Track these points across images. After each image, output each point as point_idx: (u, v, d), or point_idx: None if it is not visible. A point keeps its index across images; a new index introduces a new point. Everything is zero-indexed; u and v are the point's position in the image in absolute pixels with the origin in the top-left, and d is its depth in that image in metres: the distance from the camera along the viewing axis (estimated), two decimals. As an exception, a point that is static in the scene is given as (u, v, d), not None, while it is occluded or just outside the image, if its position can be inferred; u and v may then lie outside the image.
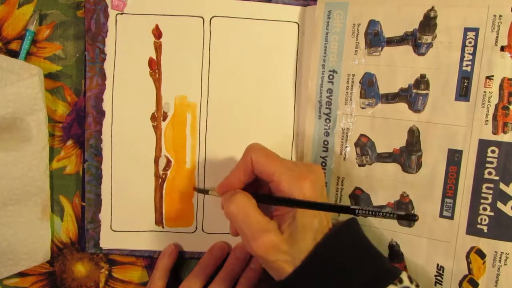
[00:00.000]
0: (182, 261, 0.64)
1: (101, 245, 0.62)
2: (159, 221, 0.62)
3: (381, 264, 0.50)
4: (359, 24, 0.56)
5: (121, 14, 0.59)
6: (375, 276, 0.48)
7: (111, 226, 0.62)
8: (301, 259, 0.48)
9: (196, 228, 0.63)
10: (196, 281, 0.60)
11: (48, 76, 0.61)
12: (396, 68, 0.56)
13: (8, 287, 0.63)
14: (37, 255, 0.62)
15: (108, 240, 0.62)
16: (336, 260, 0.49)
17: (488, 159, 0.54)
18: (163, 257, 0.62)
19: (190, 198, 0.62)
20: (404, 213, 0.42)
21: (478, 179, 0.54)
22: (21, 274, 0.63)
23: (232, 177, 0.54)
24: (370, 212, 0.43)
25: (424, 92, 0.55)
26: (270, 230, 0.49)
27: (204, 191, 0.61)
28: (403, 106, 0.56)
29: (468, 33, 0.53)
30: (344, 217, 0.59)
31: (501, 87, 0.53)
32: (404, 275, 0.49)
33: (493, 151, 0.53)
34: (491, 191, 0.54)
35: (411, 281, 0.49)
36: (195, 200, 0.62)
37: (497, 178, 0.54)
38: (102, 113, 0.60)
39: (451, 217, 0.55)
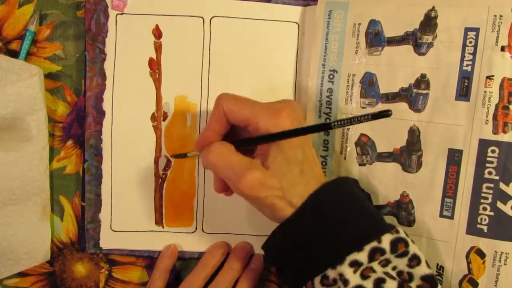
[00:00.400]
0: (182, 261, 0.64)
1: (101, 245, 0.62)
2: (159, 221, 0.62)
3: (380, 216, 0.50)
4: (359, 24, 0.56)
5: (121, 14, 0.59)
6: (374, 224, 0.48)
7: (111, 226, 0.62)
8: (291, 194, 0.48)
9: (196, 228, 0.63)
10: (196, 281, 0.60)
11: (48, 76, 0.61)
12: (396, 67, 0.56)
13: (8, 287, 0.63)
14: (37, 255, 0.62)
15: (108, 240, 0.62)
16: (338, 203, 0.48)
17: (488, 158, 0.54)
18: (163, 257, 0.62)
19: (190, 198, 0.62)
20: (376, 111, 0.42)
21: (478, 179, 0.54)
22: (21, 274, 0.63)
23: (208, 131, 0.52)
24: (346, 122, 0.43)
25: (425, 91, 0.55)
26: (254, 167, 0.47)
27: (182, 155, 0.61)
28: (403, 106, 0.56)
29: (469, 33, 0.53)
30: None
31: (501, 87, 0.53)
32: (400, 228, 0.49)
33: (493, 151, 0.53)
34: (491, 191, 0.54)
35: (407, 235, 0.49)
36: (195, 200, 0.62)
37: (497, 177, 0.54)
38: (102, 113, 0.60)
39: (451, 217, 0.56)
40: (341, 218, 0.48)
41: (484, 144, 0.54)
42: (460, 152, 0.55)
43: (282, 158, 0.48)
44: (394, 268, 0.48)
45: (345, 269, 0.46)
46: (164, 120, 0.61)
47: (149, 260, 0.64)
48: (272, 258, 0.53)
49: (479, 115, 0.53)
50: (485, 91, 0.53)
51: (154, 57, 0.60)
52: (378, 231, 0.47)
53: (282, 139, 0.48)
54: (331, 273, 0.47)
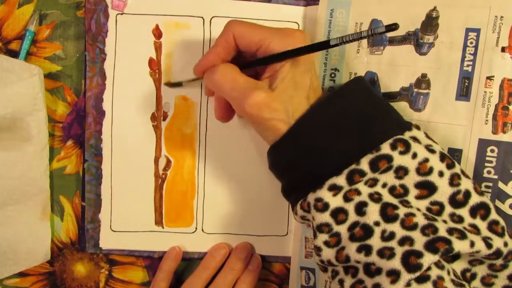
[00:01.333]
0: (182, 262, 0.64)
1: (100, 245, 0.62)
2: (158, 222, 0.62)
3: (365, 137, 0.48)
4: (361, 23, 0.56)
5: (121, 14, 0.59)
6: (354, 147, 0.47)
7: (110, 226, 0.62)
8: (295, 117, 0.48)
9: (196, 228, 0.63)
10: (197, 282, 0.60)
11: (48, 76, 0.60)
12: (397, 67, 0.56)
13: (8, 287, 0.63)
14: (37, 255, 0.62)
15: (108, 241, 0.62)
16: (339, 114, 0.48)
17: (487, 158, 0.54)
18: (167, 259, 0.62)
19: (190, 198, 0.62)
20: (383, 27, 0.41)
21: (478, 178, 0.54)
22: (21, 274, 0.63)
23: (211, 55, 0.51)
24: (349, 38, 0.43)
25: (425, 91, 0.55)
26: (261, 88, 0.47)
27: (177, 84, 0.60)
28: (404, 105, 0.56)
29: (470, 33, 0.53)
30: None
31: (501, 87, 0.53)
32: (389, 142, 0.46)
33: (492, 150, 0.54)
34: (490, 190, 0.54)
35: (427, 136, 0.49)
36: (195, 200, 0.62)
37: (496, 177, 0.54)
38: (102, 113, 0.60)
39: (451, 216, 0.56)
40: (326, 142, 0.47)
41: (483, 144, 0.54)
42: (459, 151, 0.55)
43: (290, 81, 0.48)
44: (384, 185, 0.47)
45: (324, 193, 0.46)
46: (164, 120, 0.61)
47: (149, 260, 0.64)
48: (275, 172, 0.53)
49: (479, 115, 0.54)
50: (485, 92, 0.53)
51: (154, 57, 0.60)
52: (357, 154, 0.46)
53: (287, 58, 0.47)
54: (310, 198, 0.47)
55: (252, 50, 0.50)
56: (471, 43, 0.53)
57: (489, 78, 0.53)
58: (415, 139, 0.47)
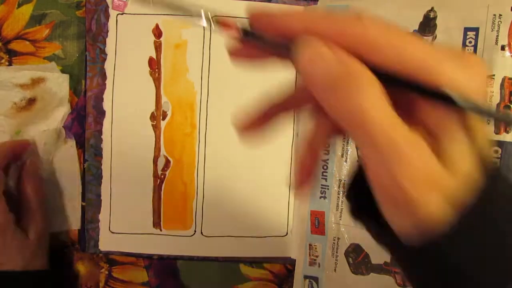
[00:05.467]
0: (182, 261, 0.64)
1: (99, 247, 0.62)
2: (156, 224, 0.62)
3: None
4: (359, 26, 0.56)
5: (122, 14, 0.59)
6: None
7: (109, 227, 0.62)
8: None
9: (195, 231, 0.62)
10: None
11: (48, 75, 0.61)
12: (396, 69, 0.55)
13: (9, 286, 0.63)
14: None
15: (106, 242, 0.62)
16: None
17: (491, 159, 0.53)
18: None
19: (189, 199, 0.62)
20: None
21: (481, 181, 0.54)
22: (21, 274, 0.63)
23: (304, 23, 0.27)
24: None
25: (425, 92, 0.55)
26: (426, 150, 0.26)
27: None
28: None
29: (468, 33, 0.53)
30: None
31: (502, 86, 0.52)
32: None
33: (495, 151, 0.53)
34: (493, 193, 0.53)
35: None
36: (194, 201, 0.62)
37: (500, 179, 0.53)
38: (102, 113, 0.60)
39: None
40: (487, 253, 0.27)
41: (486, 145, 0.53)
42: (462, 153, 0.54)
43: (469, 150, 0.27)
44: None
45: None
46: (163, 119, 0.61)
47: (149, 260, 0.64)
48: None
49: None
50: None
51: (154, 56, 0.60)
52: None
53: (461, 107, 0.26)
54: None
55: (401, 73, 0.26)
56: (470, 42, 0.53)
57: (490, 77, 0.52)
58: None
